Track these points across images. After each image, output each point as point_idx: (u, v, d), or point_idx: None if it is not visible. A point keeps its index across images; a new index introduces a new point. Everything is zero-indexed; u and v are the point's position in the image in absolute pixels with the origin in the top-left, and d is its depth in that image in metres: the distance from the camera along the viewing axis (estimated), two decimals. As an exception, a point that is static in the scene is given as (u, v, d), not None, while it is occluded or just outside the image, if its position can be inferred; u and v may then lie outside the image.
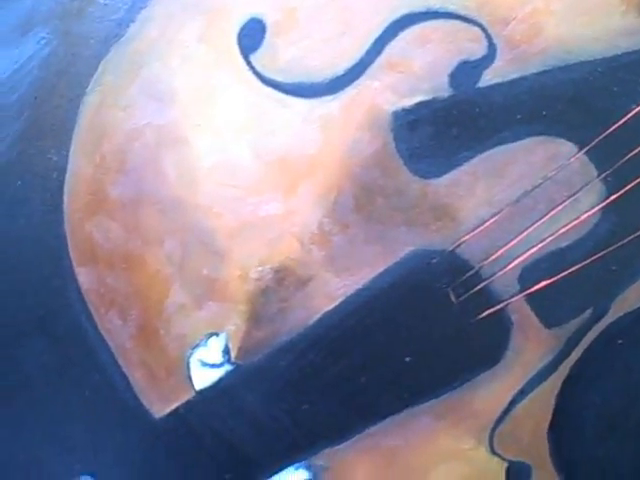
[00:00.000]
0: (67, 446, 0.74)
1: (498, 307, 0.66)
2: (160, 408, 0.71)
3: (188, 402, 0.71)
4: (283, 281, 0.68)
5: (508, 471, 0.69)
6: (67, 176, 0.70)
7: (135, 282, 0.71)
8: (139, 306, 0.70)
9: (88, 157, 0.69)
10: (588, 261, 0.65)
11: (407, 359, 0.68)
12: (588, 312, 0.67)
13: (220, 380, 0.70)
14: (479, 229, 0.66)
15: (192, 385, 0.70)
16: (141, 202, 0.69)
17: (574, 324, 0.67)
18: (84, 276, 0.71)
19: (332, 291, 0.68)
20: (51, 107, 0.70)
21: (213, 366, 0.70)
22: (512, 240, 0.66)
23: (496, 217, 0.66)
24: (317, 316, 0.68)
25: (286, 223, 0.68)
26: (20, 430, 0.74)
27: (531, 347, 0.67)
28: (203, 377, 0.70)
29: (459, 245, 0.66)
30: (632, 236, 0.65)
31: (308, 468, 0.71)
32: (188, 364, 0.70)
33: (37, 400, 0.73)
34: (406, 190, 0.66)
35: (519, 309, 0.67)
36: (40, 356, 0.73)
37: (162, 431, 0.71)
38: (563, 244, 0.66)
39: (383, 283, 0.68)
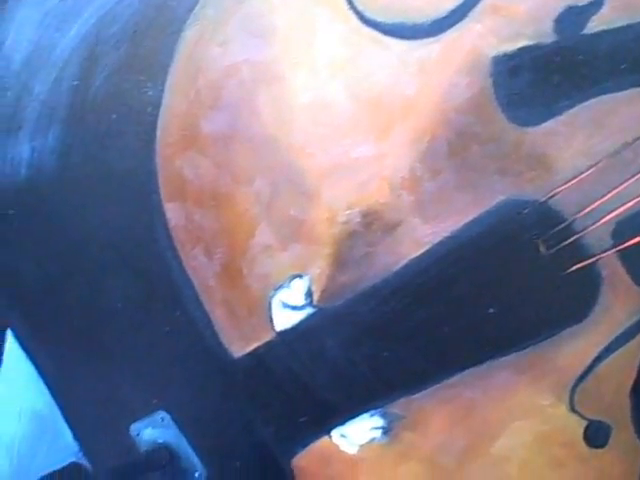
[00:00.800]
0: (146, 381, 0.75)
1: (589, 262, 0.65)
2: (239, 348, 0.72)
3: (268, 343, 0.71)
4: (371, 225, 0.68)
5: (586, 430, 0.68)
6: (161, 111, 0.71)
7: (222, 220, 0.71)
8: (225, 244, 0.71)
9: (183, 92, 0.70)
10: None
11: (491, 310, 0.67)
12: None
13: (301, 322, 0.70)
14: (574, 181, 0.65)
15: (273, 326, 0.71)
16: (233, 139, 0.69)
17: (666, 282, 0.66)
18: (172, 212, 0.72)
19: (419, 238, 0.67)
20: (149, 41, 0.70)
21: (295, 308, 0.70)
22: (608, 193, 0.65)
23: (593, 169, 0.64)
24: (403, 262, 0.68)
25: (377, 166, 0.67)
26: (101, 363, 0.75)
27: (620, 304, 0.66)
28: (284, 318, 0.70)
29: (553, 196, 0.65)
30: None
31: (383, 416, 0.70)
32: (270, 305, 0.70)
33: (119, 334, 0.74)
34: (502, 138, 0.65)
35: (610, 265, 0.65)
36: (124, 290, 0.74)
37: (240, 371, 0.72)
38: (661, 199, 0.64)
39: (472, 232, 0.67)
